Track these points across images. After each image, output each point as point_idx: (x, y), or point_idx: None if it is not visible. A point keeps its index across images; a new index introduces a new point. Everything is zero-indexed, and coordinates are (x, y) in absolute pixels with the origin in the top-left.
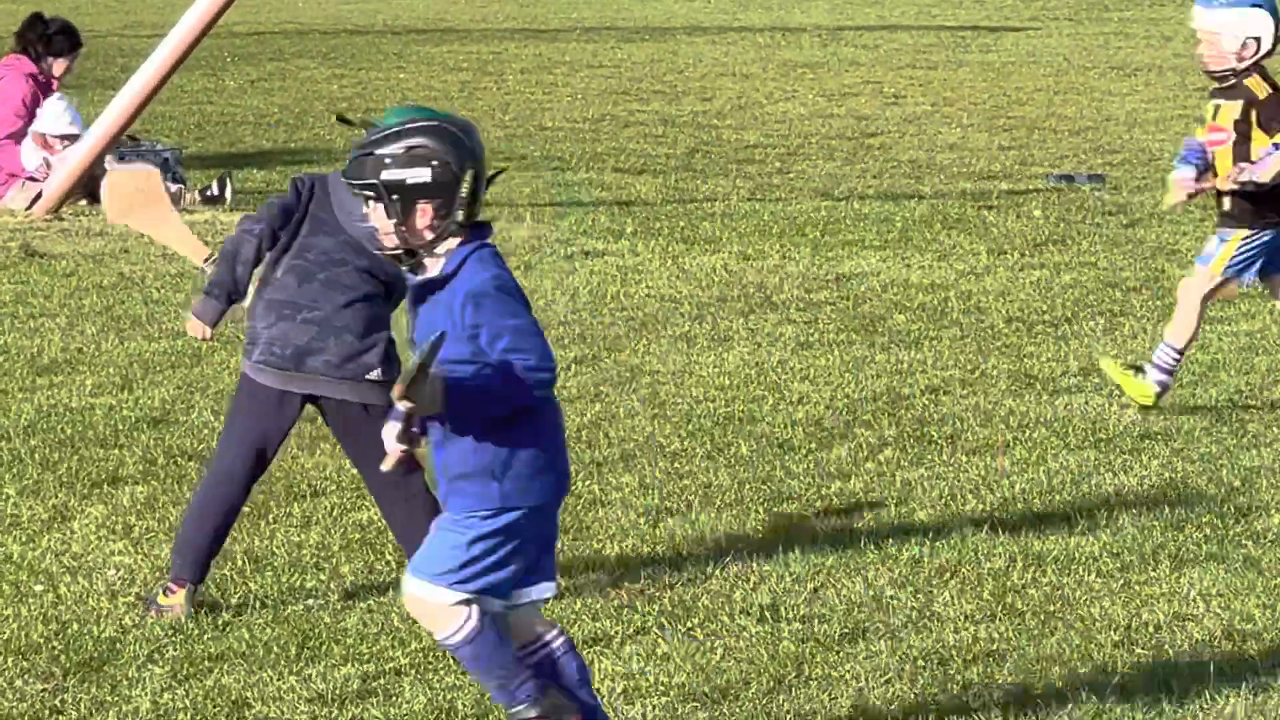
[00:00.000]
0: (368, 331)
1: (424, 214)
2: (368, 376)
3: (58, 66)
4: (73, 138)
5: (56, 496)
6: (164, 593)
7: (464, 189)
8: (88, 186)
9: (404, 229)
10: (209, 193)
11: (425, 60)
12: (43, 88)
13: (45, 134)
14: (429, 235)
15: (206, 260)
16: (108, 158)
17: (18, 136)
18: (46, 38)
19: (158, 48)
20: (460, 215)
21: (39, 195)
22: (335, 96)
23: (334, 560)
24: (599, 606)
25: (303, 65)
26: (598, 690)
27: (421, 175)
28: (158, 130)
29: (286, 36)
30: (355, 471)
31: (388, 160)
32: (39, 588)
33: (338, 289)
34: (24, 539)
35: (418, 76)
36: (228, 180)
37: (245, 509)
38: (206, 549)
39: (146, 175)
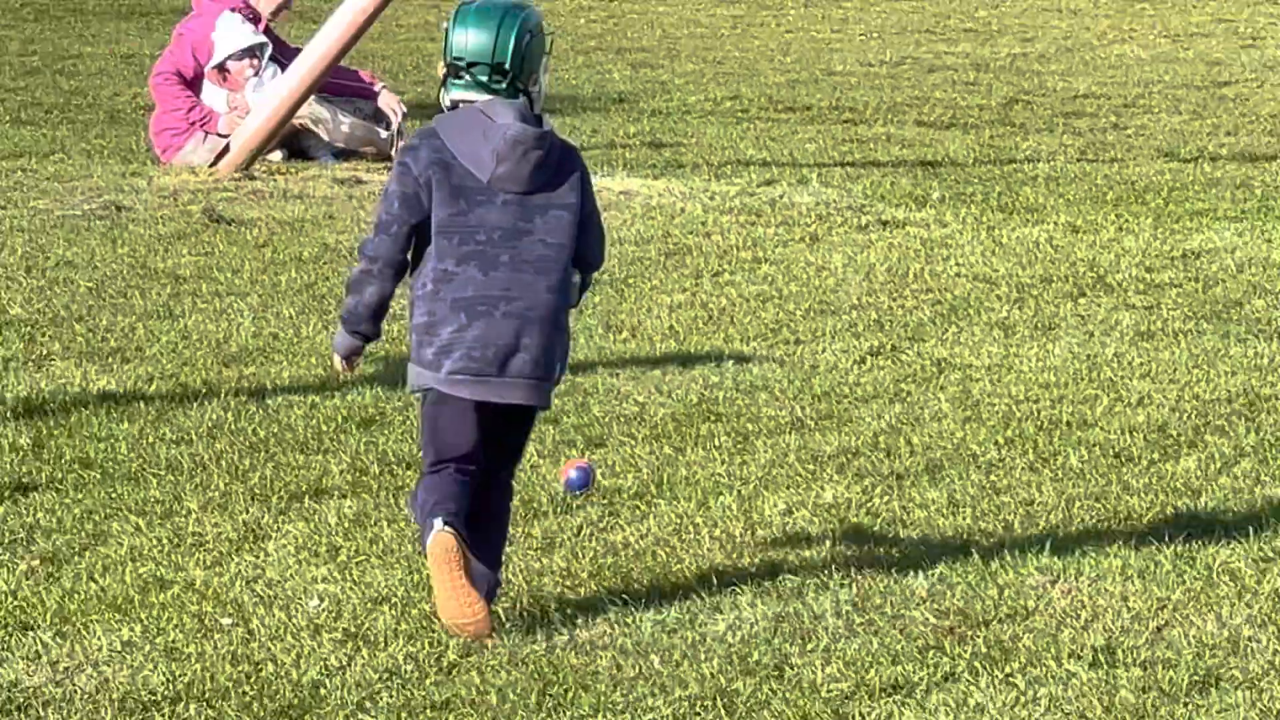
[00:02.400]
0: (555, 316)
1: None
2: (550, 373)
3: (267, 3)
4: (257, 50)
5: (248, 512)
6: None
7: None
8: (285, 138)
9: None
10: None
11: None
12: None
13: (225, 60)
14: None
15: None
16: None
17: (192, 78)
18: None
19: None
20: None
21: (226, 149)
22: (587, 34)
23: (581, 589)
24: (900, 647)
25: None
26: None
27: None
28: (372, 69)
29: None
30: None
31: None
32: (227, 621)
33: (529, 269)
34: (209, 562)
35: (681, 10)
36: None
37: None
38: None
39: None
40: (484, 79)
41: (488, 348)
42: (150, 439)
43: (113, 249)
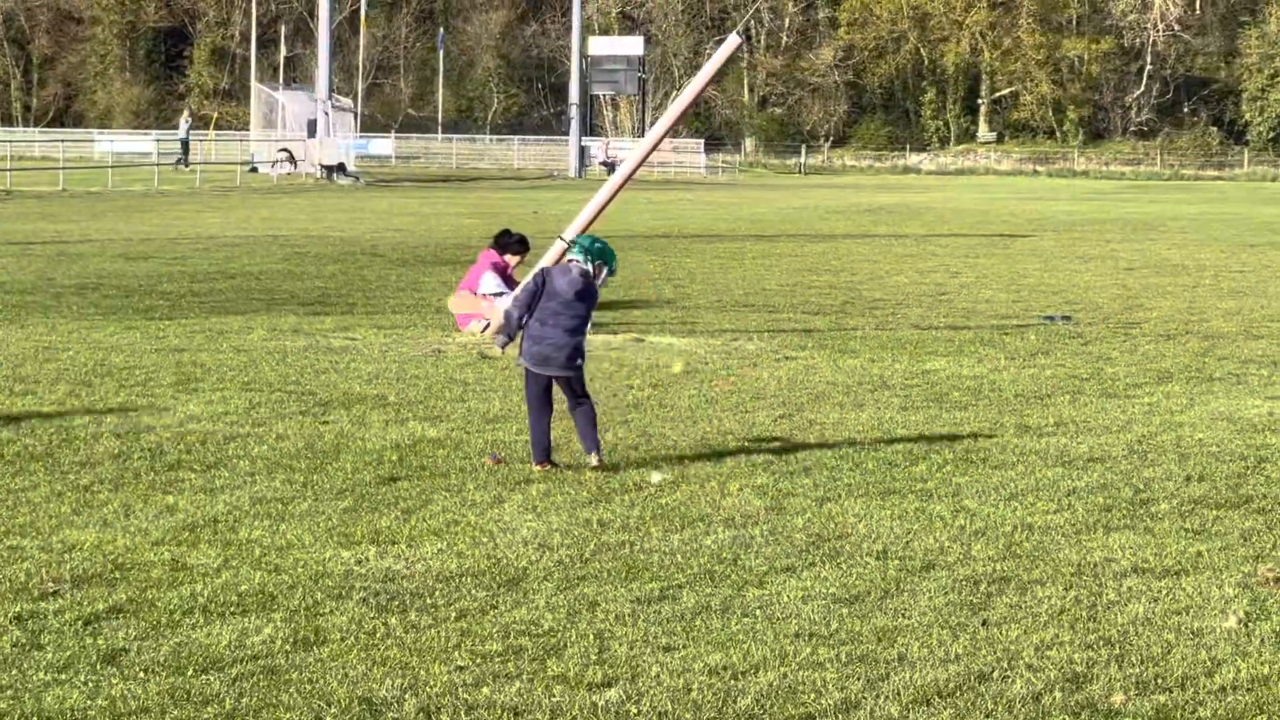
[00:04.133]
0: (575, 343)
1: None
2: (575, 364)
3: (512, 260)
4: (498, 294)
5: (496, 490)
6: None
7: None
8: None
9: None
10: None
11: (699, 252)
12: (500, 271)
13: (484, 293)
14: None
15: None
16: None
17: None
18: (508, 243)
19: (553, 244)
20: None
21: (486, 325)
22: (650, 272)
23: (646, 525)
24: None
25: (633, 254)
26: None
27: None
28: None
29: (625, 238)
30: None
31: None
32: (485, 539)
33: (560, 325)
34: (478, 512)
35: (695, 261)
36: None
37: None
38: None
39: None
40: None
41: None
42: (452, 457)
43: (437, 369)
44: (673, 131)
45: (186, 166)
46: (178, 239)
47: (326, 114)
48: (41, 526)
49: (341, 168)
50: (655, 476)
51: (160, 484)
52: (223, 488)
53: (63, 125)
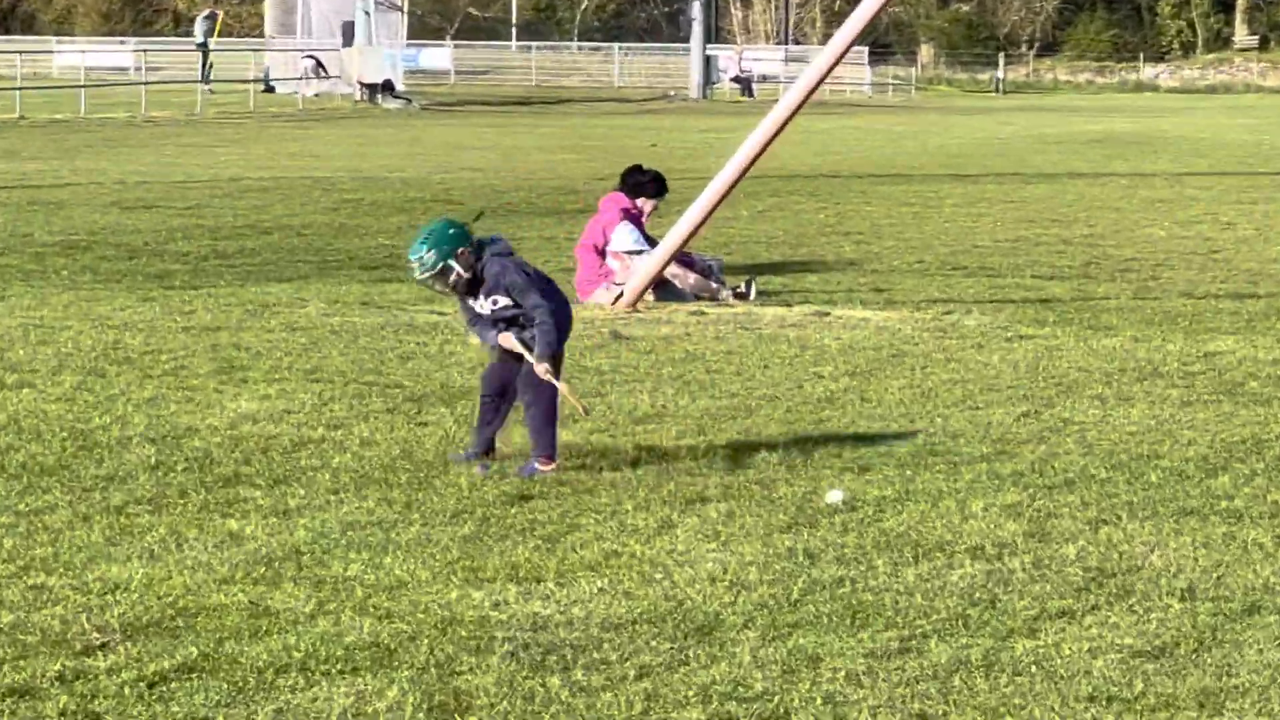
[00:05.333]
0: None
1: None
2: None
3: (646, 206)
4: (637, 253)
5: (661, 510)
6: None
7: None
8: (655, 287)
9: None
10: (738, 291)
11: (883, 197)
12: (633, 220)
13: (617, 251)
14: None
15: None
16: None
17: (601, 250)
18: (640, 183)
19: (705, 189)
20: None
21: (620, 294)
22: (822, 223)
23: (868, 556)
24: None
25: (795, 200)
26: None
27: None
28: (701, 246)
29: (780, 179)
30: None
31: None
32: (658, 575)
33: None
34: (642, 540)
35: (878, 209)
36: (752, 283)
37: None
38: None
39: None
40: None
41: None
42: (597, 469)
43: None
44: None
45: (206, 86)
46: (186, 182)
47: (367, 14)
48: (70, 560)
49: (388, 86)
50: (834, 495)
51: (216, 504)
52: (299, 509)
53: (8, 32)
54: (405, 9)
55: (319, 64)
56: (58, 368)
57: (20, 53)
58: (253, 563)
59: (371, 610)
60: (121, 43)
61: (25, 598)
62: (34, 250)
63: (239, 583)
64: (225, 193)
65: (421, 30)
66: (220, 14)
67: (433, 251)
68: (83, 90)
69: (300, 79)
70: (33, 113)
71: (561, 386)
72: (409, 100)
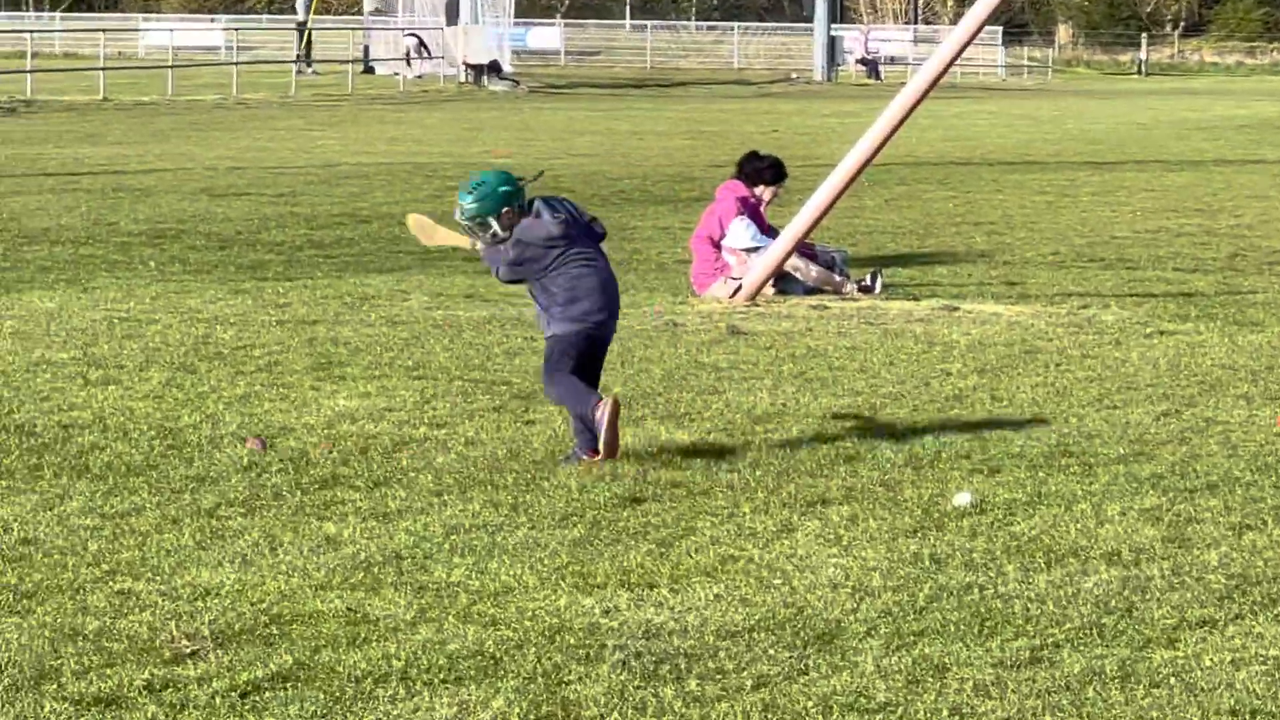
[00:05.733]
0: None
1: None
2: None
3: (765, 193)
4: (754, 250)
5: (781, 514)
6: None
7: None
8: (776, 282)
9: None
10: (863, 284)
11: (1016, 185)
12: (751, 209)
13: (733, 248)
14: None
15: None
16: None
17: (717, 243)
18: (758, 170)
19: (829, 177)
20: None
21: (739, 288)
22: (951, 213)
23: (998, 562)
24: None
25: (923, 189)
26: None
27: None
28: (824, 237)
29: (908, 167)
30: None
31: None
32: (777, 581)
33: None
34: (760, 544)
35: (1011, 198)
36: (878, 276)
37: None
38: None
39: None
40: None
41: None
42: (714, 469)
43: (674, 349)
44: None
45: (309, 67)
46: (280, 168)
47: None
48: (158, 564)
49: (495, 68)
50: (962, 497)
51: (313, 507)
52: (400, 512)
53: (90, 9)
54: None
55: (421, 43)
56: (145, 363)
57: (104, 31)
58: (351, 568)
59: (476, 617)
60: (211, 20)
61: (112, 603)
62: (119, 240)
63: (336, 588)
64: (321, 179)
65: (530, 8)
66: None
67: (477, 203)
68: (170, 71)
69: (402, 59)
70: (117, 94)
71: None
72: (516, 82)
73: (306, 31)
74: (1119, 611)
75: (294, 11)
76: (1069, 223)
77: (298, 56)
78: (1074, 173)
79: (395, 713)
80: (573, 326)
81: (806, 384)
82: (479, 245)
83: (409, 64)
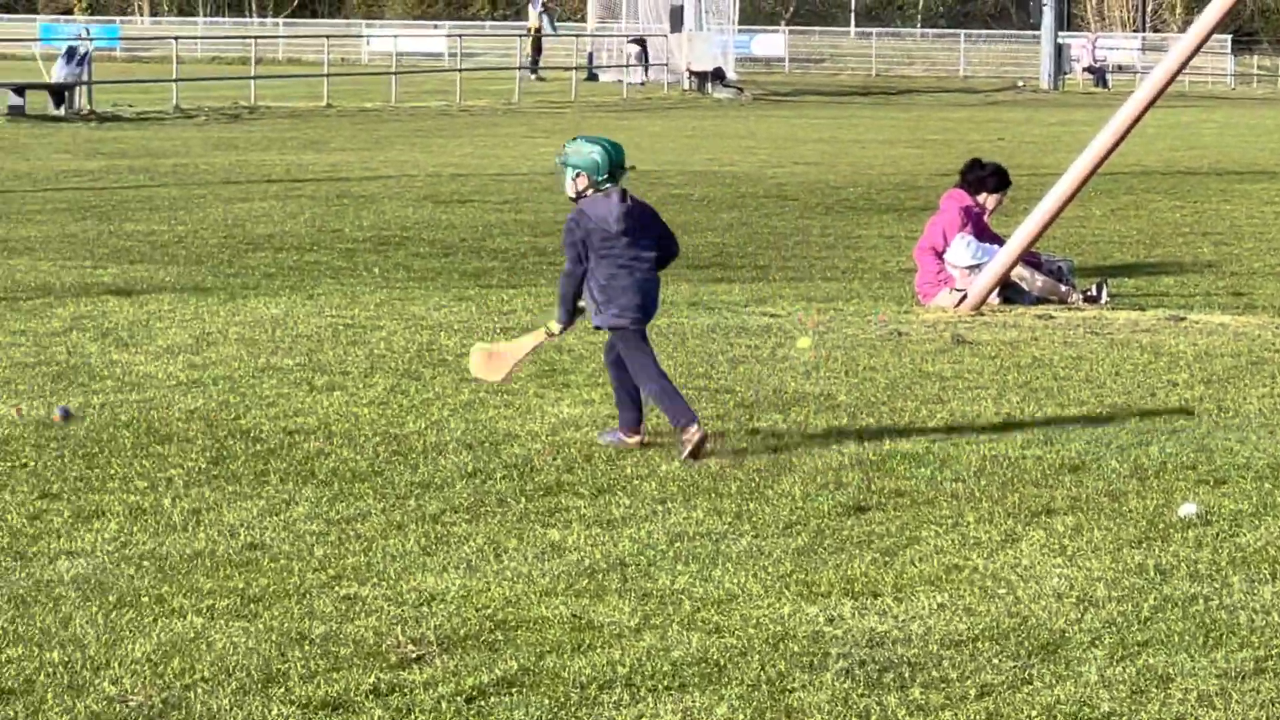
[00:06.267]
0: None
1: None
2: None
3: (990, 201)
4: (975, 267)
5: (1005, 523)
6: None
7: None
8: (1001, 291)
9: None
10: (1089, 294)
11: (1244, 195)
12: (975, 219)
13: (954, 264)
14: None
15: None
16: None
17: (941, 254)
18: (981, 178)
19: (1055, 186)
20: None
21: (964, 297)
22: (1178, 223)
23: (1223, 573)
24: None
25: (1150, 198)
26: None
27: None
28: (1050, 246)
29: (1135, 176)
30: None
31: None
32: (1002, 590)
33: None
34: (985, 554)
35: (1239, 207)
36: (1104, 286)
37: None
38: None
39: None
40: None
41: None
42: (938, 478)
43: (898, 358)
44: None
45: (534, 74)
46: (503, 175)
47: None
48: (384, 570)
49: (719, 75)
50: (1188, 508)
51: (537, 513)
52: (624, 519)
53: (313, 15)
54: None
55: (643, 48)
56: (370, 370)
57: (329, 37)
58: (575, 574)
59: (700, 624)
60: (435, 27)
61: (338, 608)
62: (344, 246)
63: (561, 595)
64: (544, 186)
65: (754, 15)
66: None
67: (567, 153)
68: (394, 77)
69: (625, 66)
70: (341, 101)
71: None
72: (740, 90)
73: (539, 38)
74: None
75: (517, 18)
76: None
77: (533, 63)
78: None
79: (619, 719)
80: (615, 320)
81: (1031, 394)
82: (553, 323)
83: (632, 71)
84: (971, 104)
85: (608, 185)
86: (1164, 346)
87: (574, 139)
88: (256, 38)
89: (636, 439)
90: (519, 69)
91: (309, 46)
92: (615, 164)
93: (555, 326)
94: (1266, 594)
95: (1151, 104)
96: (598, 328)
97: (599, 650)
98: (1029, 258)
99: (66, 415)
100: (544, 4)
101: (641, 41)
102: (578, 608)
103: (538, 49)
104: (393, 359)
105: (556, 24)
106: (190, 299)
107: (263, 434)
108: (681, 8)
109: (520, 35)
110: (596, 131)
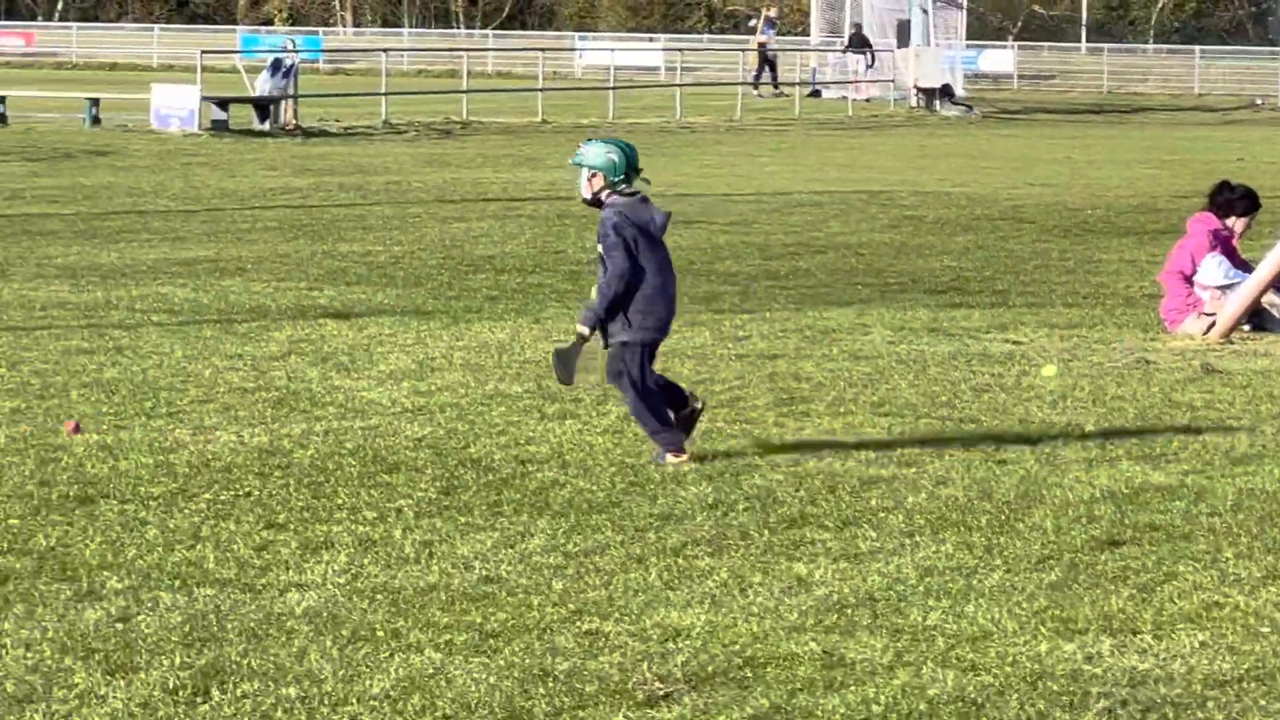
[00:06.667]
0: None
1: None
2: None
3: (1237, 225)
4: (1228, 287)
5: (1265, 559)
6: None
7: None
8: (1251, 318)
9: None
10: None
11: None
12: (1223, 243)
13: (1206, 285)
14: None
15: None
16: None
17: (1189, 278)
18: (1230, 201)
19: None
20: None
21: (1212, 324)
22: None
23: None
24: None
25: None
26: None
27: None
28: None
29: None
30: None
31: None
32: (1265, 629)
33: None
34: (1246, 591)
35: None
36: None
37: None
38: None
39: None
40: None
41: None
42: (1194, 512)
43: (1147, 388)
44: None
45: (775, 89)
46: (730, 195)
47: (925, 11)
48: (625, 604)
49: (947, 92)
50: None
51: (781, 546)
52: (872, 553)
53: (522, 26)
54: (965, 6)
55: (870, 54)
56: (602, 397)
57: (543, 50)
58: (823, 610)
59: (955, 662)
60: (650, 40)
61: (580, 644)
62: (567, 268)
63: (810, 631)
64: (772, 207)
65: (980, 30)
66: (772, 17)
67: (582, 154)
68: (611, 92)
69: (849, 82)
70: (555, 116)
71: (586, 350)
72: (969, 107)
73: (769, 53)
74: None
75: (735, 32)
76: None
77: (756, 78)
78: None
79: None
80: (645, 336)
81: None
82: (583, 327)
83: (856, 87)
84: (1208, 122)
85: (623, 186)
86: None
87: (589, 140)
88: (467, 50)
89: (681, 458)
90: (747, 84)
91: (519, 59)
92: (631, 165)
93: (584, 330)
94: None
95: None
96: (624, 343)
97: (852, 688)
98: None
99: (77, 429)
100: (768, 17)
101: (864, 41)
102: (828, 644)
103: (765, 64)
104: None
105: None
106: (411, 322)
107: (494, 463)
108: (909, 23)
109: (742, 49)
110: (823, 150)
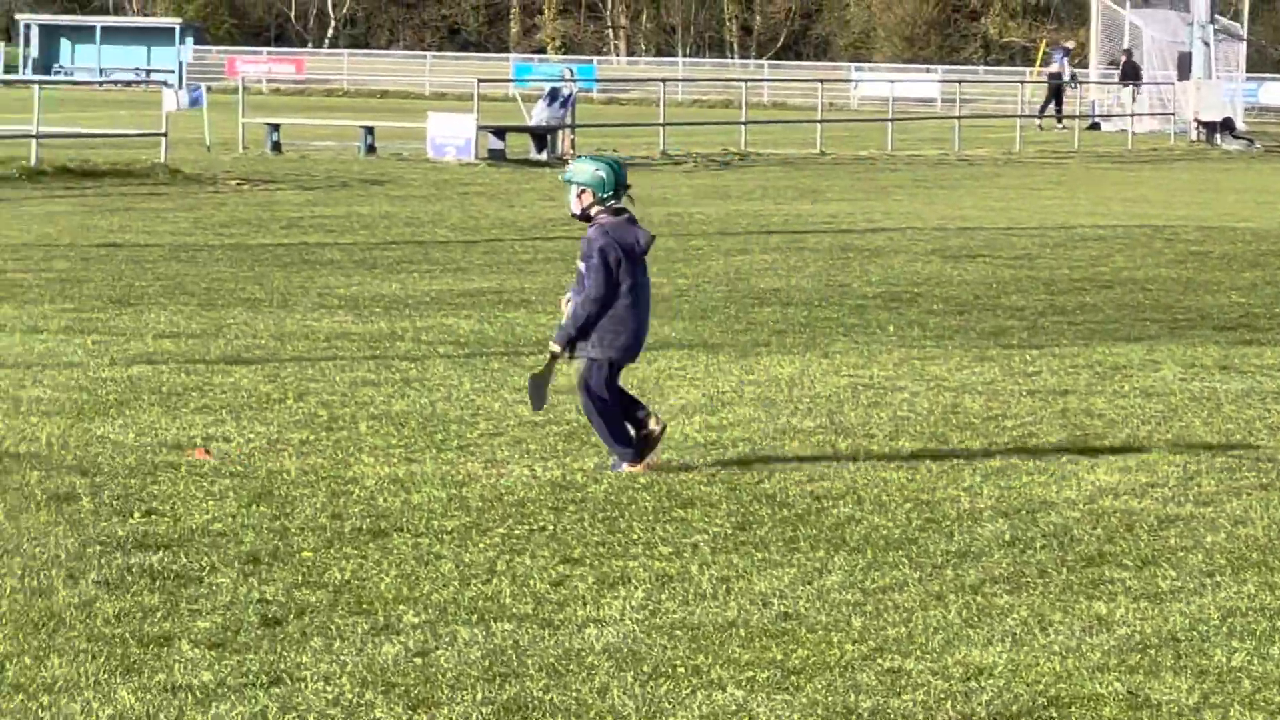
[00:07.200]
0: None
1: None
2: None
3: None
4: None
5: None
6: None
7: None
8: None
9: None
10: None
11: None
12: None
13: None
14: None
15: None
16: None
17: None
18: None
19: None
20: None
21: None
22: None
23: None
24: None
25: None
26: None
27: None
28: None
29: None
30: None
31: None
32: None
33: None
34: None
35: None
36: None
37: None
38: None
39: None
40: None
41: None
42: None
43: None
44: None
45: (1059, 121)
46: (1011, 229)
47: (1207, 44)
48: (926, 642)
49: (1228, 125)
50: None
51: (1080, 585)
52: (1172, 593)
53: (796, 56)
54: (1246, 38)
55: (1140, 86)
56: (894, 432)
57: (822, 81)
58: (1126, 649)
59: (1262, 704)
60: (928, 70)
61: (882, 681)
62: (853, 302)
63: (1113, 670)
64: (1056, 241)
65: (1259, 62)
66: (1068, 48)
67: (572, 171)
68: (890, 124)
69: (1129, 115)
70: (833, 147)
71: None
72: (1251, 141)
73: (1058, 85)
74: None
75: (1010, 63)
76: None
77: (1042, 109)
78: None
79: None
80: (614, 355)
81: None
82: (555, 345)
83: (1136, 119)
84: None
85: (612, 203)
86: None
87: (579, 157)
88: (745, 81)
89: (637, 468)
90: (1030, 116)
91: (795, 89)
92: (619, 182)
93: (556, 348)
94: None
95: None
96: (592, 359)
97: None
98: None
99: (206, 453)
100: (1065, 49)
101: (1135, 70)
102: (1132, 684)
103: (1054, 96)
104: (917, 421)
105: (1076, 76)
106: (700, 356)
107: (789, 498)
108: (1189, 55)
109: (1020, 80)
110: (1101, 184)
